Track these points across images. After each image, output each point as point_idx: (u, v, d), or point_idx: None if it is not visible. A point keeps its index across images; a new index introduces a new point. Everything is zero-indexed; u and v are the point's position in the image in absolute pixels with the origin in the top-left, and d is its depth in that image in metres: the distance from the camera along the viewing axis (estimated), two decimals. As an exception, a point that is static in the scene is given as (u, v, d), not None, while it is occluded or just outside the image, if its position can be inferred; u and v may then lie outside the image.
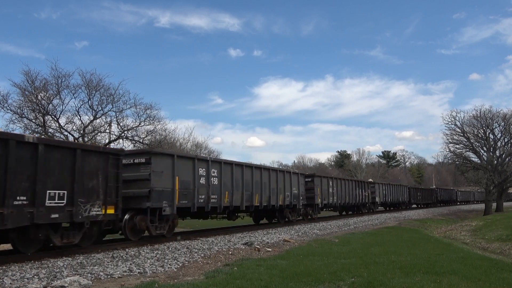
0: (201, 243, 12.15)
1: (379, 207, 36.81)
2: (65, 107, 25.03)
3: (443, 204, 57.75)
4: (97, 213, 9.95)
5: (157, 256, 9.65)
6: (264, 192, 17.22)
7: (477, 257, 11.44)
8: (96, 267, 8.08)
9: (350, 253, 10.82)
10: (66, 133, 24.98)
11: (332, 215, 29.05)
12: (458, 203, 64.18)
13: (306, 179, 22.79)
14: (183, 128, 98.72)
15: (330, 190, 25.26)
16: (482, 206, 50.88)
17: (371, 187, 32.84)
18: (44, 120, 24.20)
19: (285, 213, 19.69)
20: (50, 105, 24.54)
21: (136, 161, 12.08)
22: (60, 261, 8.61)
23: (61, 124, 24.95)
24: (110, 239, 14.57)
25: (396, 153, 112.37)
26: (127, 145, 27.18)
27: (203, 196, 13.86)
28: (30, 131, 23.96)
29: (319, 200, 23.48)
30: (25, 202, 8.33)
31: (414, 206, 47.34)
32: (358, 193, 29.68)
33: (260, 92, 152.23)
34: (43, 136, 23.28)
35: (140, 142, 26.96)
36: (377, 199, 33.35)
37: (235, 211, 16.38)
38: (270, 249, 11.55)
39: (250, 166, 16.80)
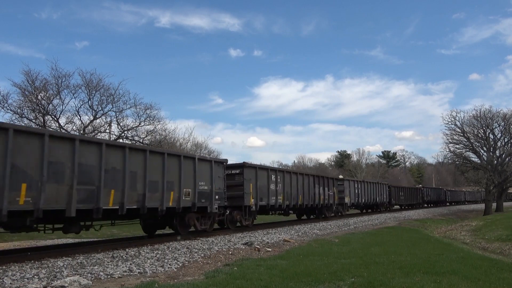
0: (201, 243, 12.15)
1: (350, 209, 30.66)
2: (65, 107, 25.10)
3: (431, 205, 53.68)
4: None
5: (157, 256, 9.65)
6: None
7: (477, 257, 11.45)
8: (96, 267, 8.08)
9: (350, 253, 10.83)
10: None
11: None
12: (448, 204, 59.72)
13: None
14: (183, 128, 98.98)
15: (272, 187, 18.32)
16: (482, 206, 50.82)
17: (339, 184, 26.95)
18: (44, 120, 24.23)
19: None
20: (50, 105, 24.59)
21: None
22: (60, 261, 8.61)
23: (61, 124, 25.01)
24: (110, 239, 14.57)
25: (396, 153, 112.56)
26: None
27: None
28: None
29: (251, 201, 16.85)
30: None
31: (397, 207, 42.67)
32: (318, 192, 23.01)
33: (260, 92, 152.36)
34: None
35: (140, 142, 26.98)
36: (346, 200, 27.40)
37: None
38: (270, 249, 11.55)
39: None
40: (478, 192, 73.28)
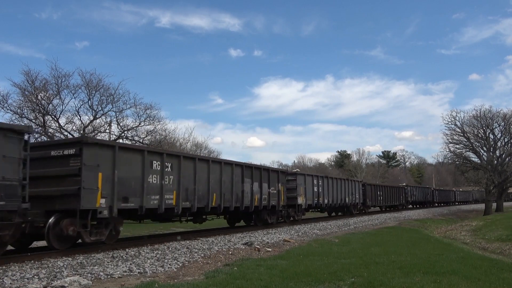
0: (201, 243, 12.15)
1: (308, 212, 24.74)
2: (65, 107, 25.13)
3: (418, 206, 49.27)
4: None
5: (157, 256, 9.65)
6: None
7: (477, 257, 11.45)
8: (96, 267, 8.08)
9: (350, 253, 10.83)
10: (66, 133, 25.00)
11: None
12: (436, 205, 54.78)
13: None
14: (183, 128, 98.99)
15: (168, 179, 12.09)
16: (482, 206, 50.79)
17: (290, 180, 20.83)
18: (44, 120, 24.25)
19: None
20: (50, 105, 24.62)
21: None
22: (60, 261, 8.61)
23: (61, 124, 25.06)
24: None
25: (396, 153, 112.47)
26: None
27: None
28: (30, 131, 23.93)
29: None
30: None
31: (377, 209, 37.84)
32: (251, 189, 16.34)
33: (261, 92, 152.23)
34: (43, 136, 23.30)
35: (140, 142, 26.99)
36: (300, 200, 21.33)
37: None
38: (270, 249, 11.55)
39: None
40: (469, 192, 71.50)
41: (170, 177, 12.04)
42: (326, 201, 24.56)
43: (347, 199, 27.60)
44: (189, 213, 13.27)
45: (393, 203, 39.05)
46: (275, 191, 18.28)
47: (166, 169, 11.88)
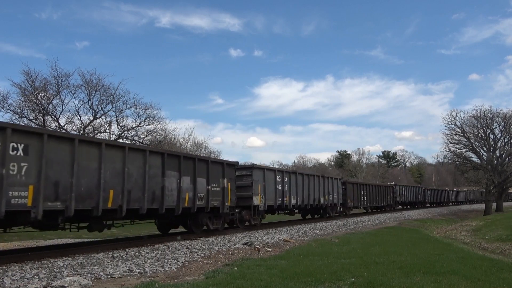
0: (201, 243, 12.15)
1: (275, 215, 21.54)
2: (65, 107, 25.11)
3: (407, 206, 45.22)
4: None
5: (157, 256, 9.65)
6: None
7: (477, 257, 11.45)
8: (96, 267, 8.08)
9: (350, 253, 10.83)
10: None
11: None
12: (428, 205, 51.64)
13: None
14: (183, 128, 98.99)
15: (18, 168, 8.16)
16: (482, 206, 50.76)
17: (244, 175, 17.12)
18: (44, 120, 24.23)
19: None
20: (50, 105, 24.61)
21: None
22: (60, 261, 8.61)
23: (61, 124, 25.02)
24: (110, 239, 14.56)
25: (396, 153, 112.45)
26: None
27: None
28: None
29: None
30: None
31: (362, 211, 34.00)
32: (178, 185, 12.54)
33: (261, 92, 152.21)
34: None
35: (140, 142, 26.99)
36: (256, 201, 17.28)
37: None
38: (270, 249, 11.55)
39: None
40: (464, 192, 67.67)
41: (23, 164, 8.13)
42: (294, 201, 20.37)
43: (322, 199, 23.34)
44: (63, 217, 9.14)
45: (379, 204, 34.68)
46: (217, 189, 14.48)
47: (14, 153, 7.99)
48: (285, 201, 19.58)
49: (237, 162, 16.69)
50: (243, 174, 17.20)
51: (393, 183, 45.89)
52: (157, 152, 12.08)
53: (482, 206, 50.55)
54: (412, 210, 43.05)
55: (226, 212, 15.03)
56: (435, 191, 56.82)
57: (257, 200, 17.37)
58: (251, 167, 17.94)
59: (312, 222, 22.27)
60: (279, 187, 19.21)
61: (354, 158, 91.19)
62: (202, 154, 44.99)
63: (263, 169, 18.51)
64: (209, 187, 14.00)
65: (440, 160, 56.58)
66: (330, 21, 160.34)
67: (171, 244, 11.81)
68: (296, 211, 22.14)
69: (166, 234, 14.87)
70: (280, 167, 29.67)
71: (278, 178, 19.22)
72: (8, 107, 23.41)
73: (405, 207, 45.06)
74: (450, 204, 60.01)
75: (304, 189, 21.57)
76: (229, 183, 15.18)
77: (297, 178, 21.01)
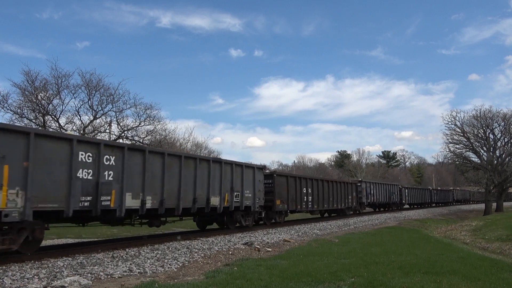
0: (201, 243, 12.15)
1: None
2: (65, 107, 25.12)
3: (379, 209, 37.83)
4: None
5: (157, 256, 9.65)
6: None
7: (477, 257, 11.44)
8: (96, 267, 8.08)
9: (350, 253, 10.82)
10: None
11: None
12: (407, 207, 45.30)
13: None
14: (183, 128, 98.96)
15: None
16: (482, 206, 50.70)
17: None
18: (44, 120, 24.23)
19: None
20: (50, 105, 24.62)
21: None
22: (60, 261, 8.61)
23: (61, 124, 25.03)
24: (110, 239, 14.57)
25: (396, 153, 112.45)
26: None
27: None
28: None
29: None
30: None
31: (305, 216, 26.21)
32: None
33: (261, 92, 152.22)
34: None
35: (140, 142, 27.00)
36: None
37: None
38: (270, 249, 11.55)
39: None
40: (449, 192, 61.76)
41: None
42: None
43: (213, 200, 14.13)
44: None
45: (336, 207, 25.73)
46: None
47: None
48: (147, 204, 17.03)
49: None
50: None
51: (360, 179, 36.55)
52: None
53: (482, 206, 50.44)
54: (412, 210, 42.91)
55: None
56: (415, 191, 48.47)
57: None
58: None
59: (312, 222, 22.26)
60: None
61: (354, 158, 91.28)
62: (202, 154, 45.00)
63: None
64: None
65: (440, 160, 56.57)
66: (330, 21, 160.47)
67: (171, 244, 11.81)
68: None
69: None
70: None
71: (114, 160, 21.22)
72: (8, 107, 23.44)
73: (377, 209, 37.73)
74: (434, 205, 52.97)
75: (188, 182, 15.50)
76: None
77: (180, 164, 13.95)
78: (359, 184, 31.39)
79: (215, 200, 14.27)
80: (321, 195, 23.52)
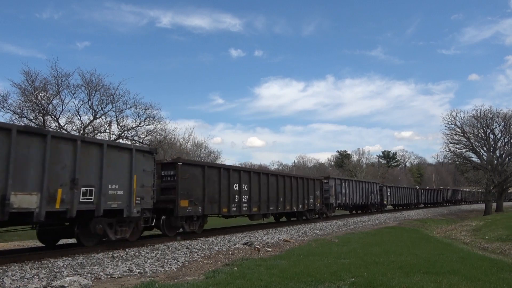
0: (201, 243, 12.15)
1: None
2: (65, 107, 25.08)
3: (362, 211, 33.68)
4: None
5: (157, 256, 9.65)
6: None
7: (477, 257, 11.44)
8: (96, 267, 8.08)
9: (350, 253, 10.82)
10: (66, 133, 24.96)
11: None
12: (391, 207, 42.11)
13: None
14: (183, 128, 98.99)
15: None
16: (482, 206, 50.67)
17: None
18: (44, 120, 24.21)
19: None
20: (50, 105, 24.58)
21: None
22: (60, 261, 8.61)
23: (61, 124, 24.99)
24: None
25: (396, 153, 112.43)
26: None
27: None
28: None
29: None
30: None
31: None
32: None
33: (261, 92, 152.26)
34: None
35: (140, 142, 26.98)
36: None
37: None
38: (270, 249, 11.55)
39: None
40: (439, 191, 55.87)
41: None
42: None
43: (21, 199, 8.28)
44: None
45: (289, 209, 20.07)
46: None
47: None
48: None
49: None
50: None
51: (328, 176, 28.44)
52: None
53: (482, 206, 50.38)
54: (412, 210, 42.80)
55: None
56: (399, 190, 42.41)
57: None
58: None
59: (312, 222, 22.27)
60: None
61: (354, 158, 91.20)
62: (201, 155, 45.01)
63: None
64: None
65: (440, 160, 56.46)
66: (330, 21, 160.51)
67: (171, 244, 11.80)
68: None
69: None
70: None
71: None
72: (8, 107, 23.40)
73: (353, 211, 33.03)
74: (422, 206, 49.14)
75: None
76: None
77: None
78: (325, 181, 25.88)
79: (25, 200, 8.20)
80: (264, 194, 17.73)
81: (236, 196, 15.91)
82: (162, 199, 12.90)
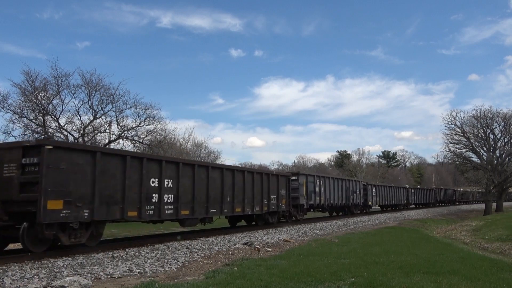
0: (201, 243, 12.15)
1: None
2: (65, 107, 25.10)
3: (343, 213, 29.39)
4: None
5: (157, 256, 9.65)
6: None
7: (477, 257, 11.44)
8: (96, 267, 8.08)
9: (350, 253, 10.82)
10: (66, 133, 24.99)
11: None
12: (378, 208, 39.02)
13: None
14: (183, 128, 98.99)
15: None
16: (481, 206, 50.65)
17: None
18: (44, 120, 24.23)
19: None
20: (50, 105, 24.60)
21: None
22: (60, 261, 8.61)
23: (61, 124, 25.02)
24: (110, 239, 14.56)
25: (396, 153, 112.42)
26: (127, 145, 27.22)
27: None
28: (30, 131, 24.00)
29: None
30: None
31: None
32: None
33: (261, 92, 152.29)
34: (42, 136, 23.31)
35: (140, 142, 26.99)
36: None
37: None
38: (270, 249, 11.55)
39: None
40: (431, 191, 53.74)
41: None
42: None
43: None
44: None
45: (240, 212, 16.14)
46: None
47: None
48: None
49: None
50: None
51: (299, 171, 24.68)
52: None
53: (482, 206, 50.34)
54: (412, 210, 42.70)
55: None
56: (387, 189, 38.28)
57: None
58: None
59: (312, 222, 22.26)
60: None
61: (354, 158, 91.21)
62: (201, 155, 44.98)
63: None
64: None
65: (440, 160, 56.48)
66: (330, 21, 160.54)
67: (171, 244, 11.80)
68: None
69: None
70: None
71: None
72: (8, 107, 23.44)
73: (334, 213, 29.24)
74: (412, 206, 46.69)
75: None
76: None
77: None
78: (293, 178, 21.46)
79: None
80: (202, 193, 13.80)
81: (154, 195, 11.67)
82: (22, 198, 8.83)
